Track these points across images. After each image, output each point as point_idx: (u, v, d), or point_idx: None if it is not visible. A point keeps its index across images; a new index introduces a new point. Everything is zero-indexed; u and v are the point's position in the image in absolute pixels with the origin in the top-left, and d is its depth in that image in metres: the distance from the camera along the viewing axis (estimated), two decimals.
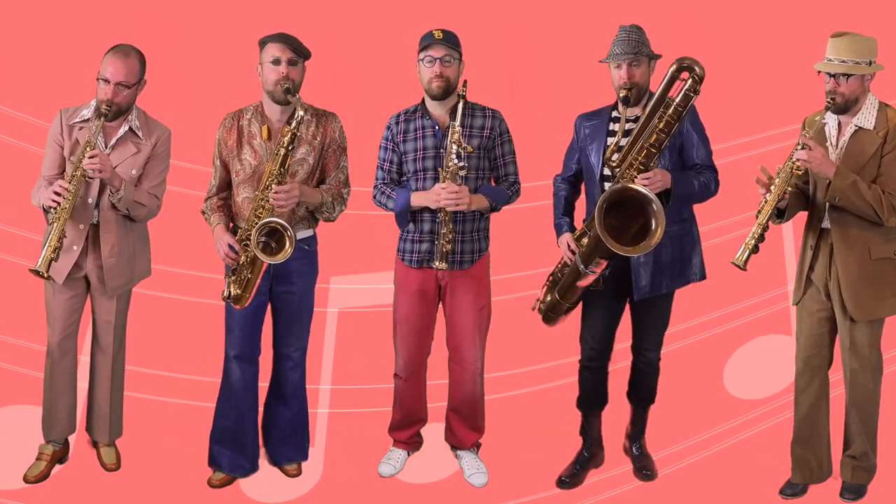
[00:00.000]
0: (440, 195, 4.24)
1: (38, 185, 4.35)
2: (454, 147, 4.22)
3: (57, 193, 4.16)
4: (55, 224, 4.14)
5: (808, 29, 5.77)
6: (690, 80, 4.04)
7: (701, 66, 4.03)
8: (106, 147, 4.32)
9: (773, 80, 5.81)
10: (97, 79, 4.27)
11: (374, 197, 4.48)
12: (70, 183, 4.17)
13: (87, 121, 4.34)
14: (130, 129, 4.35)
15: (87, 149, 4.18)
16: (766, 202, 4.03)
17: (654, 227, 3.99)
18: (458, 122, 4.23)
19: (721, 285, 4.46)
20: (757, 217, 4.03)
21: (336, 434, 4.88)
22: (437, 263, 4.27)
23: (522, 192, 4.52)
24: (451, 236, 4.25)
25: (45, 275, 4.14)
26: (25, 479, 4.44)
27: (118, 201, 4.28)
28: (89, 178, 4.21)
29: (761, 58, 5.85)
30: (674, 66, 4.05)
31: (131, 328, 4.59)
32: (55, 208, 4.16)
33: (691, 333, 4.57)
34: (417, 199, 4.33)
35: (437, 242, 4.30)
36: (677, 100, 4.05)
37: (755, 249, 4.00)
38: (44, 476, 4.47)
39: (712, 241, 4.40)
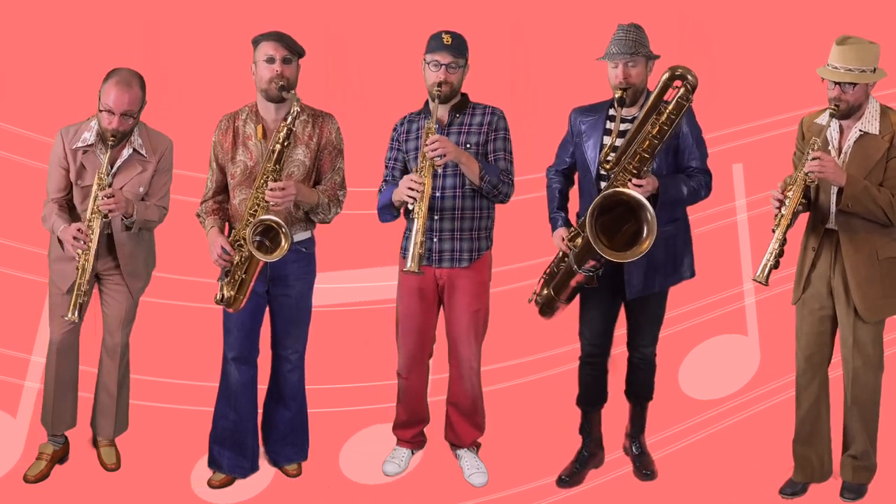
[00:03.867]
0: (402, 183, 4.20)
1: (47, 210, 4.35)
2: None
3: (75, 238, 4.19)
4: (79, 272, 4.19)
5: (800, 20, 5.79)
6: (683, 88, 4.02)
7: (694, 75, 4.01)
8: (112, 168, 4.30)
9: (761, 71, 5.81)
10: (99, 110, 4.23)
11: (378, 193, 4.48)
12: (88, 227, 4.20)
13: (90, 145, 4.32)
14: (134, 149, 4.35)
15: (100, 186, 4.19)
16: (781, 216, 4.03)
17: (644, 234, 4.00)
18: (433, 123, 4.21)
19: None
20: (774, 232, 4.03)
21: (331, 433, 4.88)
22: (409, 263, 4.14)
23: (524, 184, 4.50)
24: (421, 238, 4.13)
25: (79, 321, 4.24)
26: (25, 479, 4.44)
27: (131, 224, 4.32)
28: (105, 216, 4.22)
29: (753, 49, 5.86)
30: (666, 75, 4.04)
31: (133, 333, 4.61)
32: (79, 252, 4.19)
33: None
34: (396, 195, 4.31)
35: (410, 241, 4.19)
36: (670, 107, 4.04)
37: (776, 264, 4.01)
38: (44, 476, 4.48)
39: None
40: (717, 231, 5.54)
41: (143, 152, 4.36)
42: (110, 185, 4.25)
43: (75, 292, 4.19)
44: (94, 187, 4.22)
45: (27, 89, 5.71)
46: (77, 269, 4.21)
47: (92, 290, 4.37)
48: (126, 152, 4.33)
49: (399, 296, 4.53)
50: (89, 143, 4.32)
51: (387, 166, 4.47)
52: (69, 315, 4.19)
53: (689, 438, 4.84)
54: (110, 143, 4.21)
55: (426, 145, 4.15)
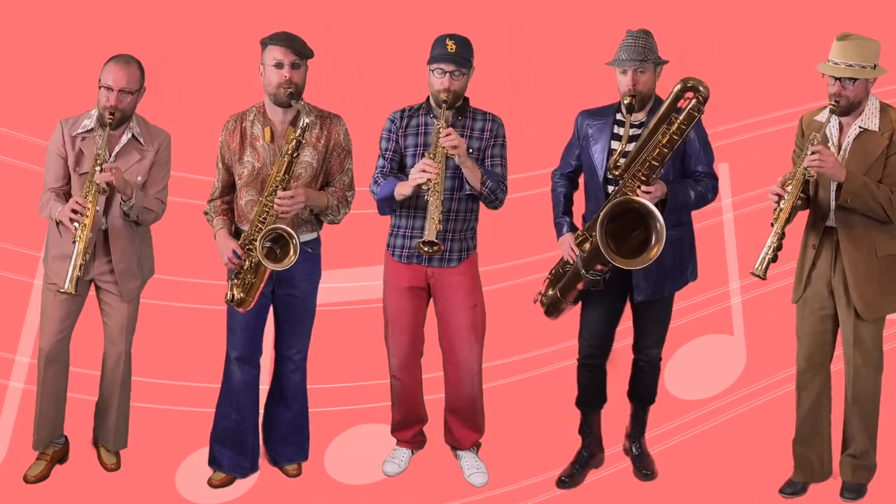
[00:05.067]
0: (415, 168, 4.19)
1: (45, 199, 4.33)
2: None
3: (75, 211, 4.15)
4: (78, 243, 4.13)
5: (782, 21, 5.82)
6: (695, 100, 4.05)
7: (706, 87, 4.04)
8: (110, 156, 4.30)
9: (744, 71, 5.82)
10: (99, 87, 4.26)
11: (372, 184, 4.45)
12: (86, 198, 4.17)
13: (89, 131, 4.33)
14: (133, 136, 4.34)
15: (98, 161, 4.18)
16: (780, 210, 4.03)
17: (653, 242, 4.04)
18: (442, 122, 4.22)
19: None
20: (772, 226, 4.03)
21: (331, 432, 4.89)
22: (425, 234, 4.11)
23: (523, 181, 4.50)
24: (438, 216, 4.11)
25: (75, 293, 4.17)
26: (25, 479, 4.43)
27: (130, 209, 4.29)
28: (103, 191, 4.20)
29: (735, 49, 5.88)
30: (678, 86, 4.06)
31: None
32: (76, 225, 4.15)
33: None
34: (400, 188, 4.29)
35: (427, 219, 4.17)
36: (681, 118, 4.05)
37: (774, 258, 4.01)
38: (44, 476, 4.47)
39: None
40: (703, 231, 5.48)
41: (141, 140, 4.35)
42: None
43: (73, 262, 4.12)
44: (92, 165, 4.20)
45: (23, 91, 5.71)
46: (74, 242, 4.15)
47: (87, 267, 4.24)
48: (125, 138, 4.33)
49: (387, 296, 4.53)
50: (89, 128, 4.32)
51: (384, 156, 4.44)
52: (66, 286, 4.11)
53: (677, 437, 4.85)
54: (108, 121, 4.21)
55: (441, 137, 4.15)
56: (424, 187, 4.16)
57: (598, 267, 4.19)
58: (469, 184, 4.28)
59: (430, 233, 4.10)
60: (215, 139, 4.37)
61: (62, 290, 4.14)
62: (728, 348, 5.51)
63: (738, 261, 5.49)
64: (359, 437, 4.87)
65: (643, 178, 4.11)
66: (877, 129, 4.08)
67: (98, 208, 4.27)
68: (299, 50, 4.19)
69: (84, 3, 5.80)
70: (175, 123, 4.51)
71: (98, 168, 4.16)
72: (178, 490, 4.45)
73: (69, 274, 4.13)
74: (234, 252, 4.23)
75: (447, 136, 4.15)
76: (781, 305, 5.16)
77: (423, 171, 4.15)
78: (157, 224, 4.55)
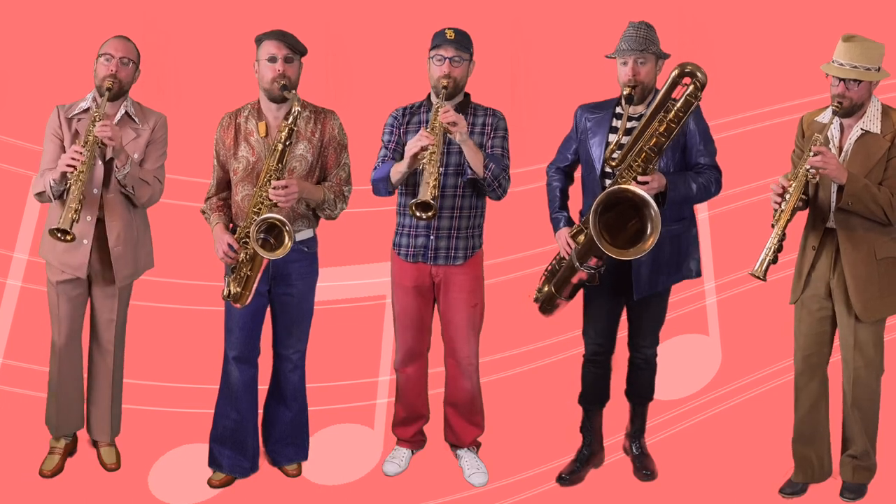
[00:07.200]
0: (412, 140, 4.15)
1: (40, 174, 4.33)
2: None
3: (73, 158, 4.14)
4: (73, 187, 4.12)
5: (800, 13, 5.78)
6: (692, 85, 4.00)
7: (703, 72, 3.99)
8: None
9: (723, 71, 5.79)
10: (98, 58, 4.30)
11: (372, 172, 4.41)
12: (84, 147, 4.16)
13: (85, 111, 4.35)
14: (127, 113, 4.37)
15: (95, 119, 4.19)
16: (781, 211, 4.01)
17: (648, 231, 3.98)
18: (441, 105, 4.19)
19: None
20: (773, 227, 4.01)
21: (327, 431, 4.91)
22: (420, 194, 4.02)
23: (522, 176, 4.48)
24: (434, 182, 4.02)
25: (69, 235, 4.09)
26: (41, 474, 4.47)
27: (124, 177, 4.28)
28: (101, 144, 4.19)
29: (717, 48, 5.85)
30: (675, 72, 4.01)
31: (131, 337, 4.60)
32: (72, 172, 4.14)
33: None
34: (398, 165, 4.26)
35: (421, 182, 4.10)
36: (678, 104, 4.01)
37: (774, 260, 3.99)
38: (58, 470, 4.50)
39: None
40: None
41: (136, 119, 4.38)
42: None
43: (67, 205, 4.10)
44: (90, 122, 4.21)
45: (20, 94, 5.70)
46: (68, 188, 4.14)
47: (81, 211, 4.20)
48: (119, 115, 4.35)
49: (394, 292, 4.54)
50: (84, 109, 4.36)
51: (386, 147, 4.41)
52: (60, 223, 4.07)
53: (664, 433, 4.87)
54: (108, 87, 4.24)
55: (440, 114, 4.10)
56: (420, 157, 4.13)
57: (593, 261, 4.16)
58: (472, 168, 4.25)
59: (424, 193, 4.02)
60: (212, 142, 4.38)
61: (54, 229, 4.08)
62: (703, 348, 5.50)
63: (713, 260, 5.48)
64: (341, 437, 4.87)
65: (640, 169, 4.07)
66: (878, 132, 4.07)
67: (95, 190, 4.27)
68: (292, 44, 4.20)
69: (82, 7, 5.79)
70: (173, 125, 4.49)
71: (95, 124, 4.18)
72: (177, 490, 4.44)
73: (63, 215, 4.09)
74: (229, 245, 4.22)
75: (445, 112, 4.12)
76: (757, 305, 5.18)
77: (421, 139, 4.10)
78: (155, 224, 4.56)
